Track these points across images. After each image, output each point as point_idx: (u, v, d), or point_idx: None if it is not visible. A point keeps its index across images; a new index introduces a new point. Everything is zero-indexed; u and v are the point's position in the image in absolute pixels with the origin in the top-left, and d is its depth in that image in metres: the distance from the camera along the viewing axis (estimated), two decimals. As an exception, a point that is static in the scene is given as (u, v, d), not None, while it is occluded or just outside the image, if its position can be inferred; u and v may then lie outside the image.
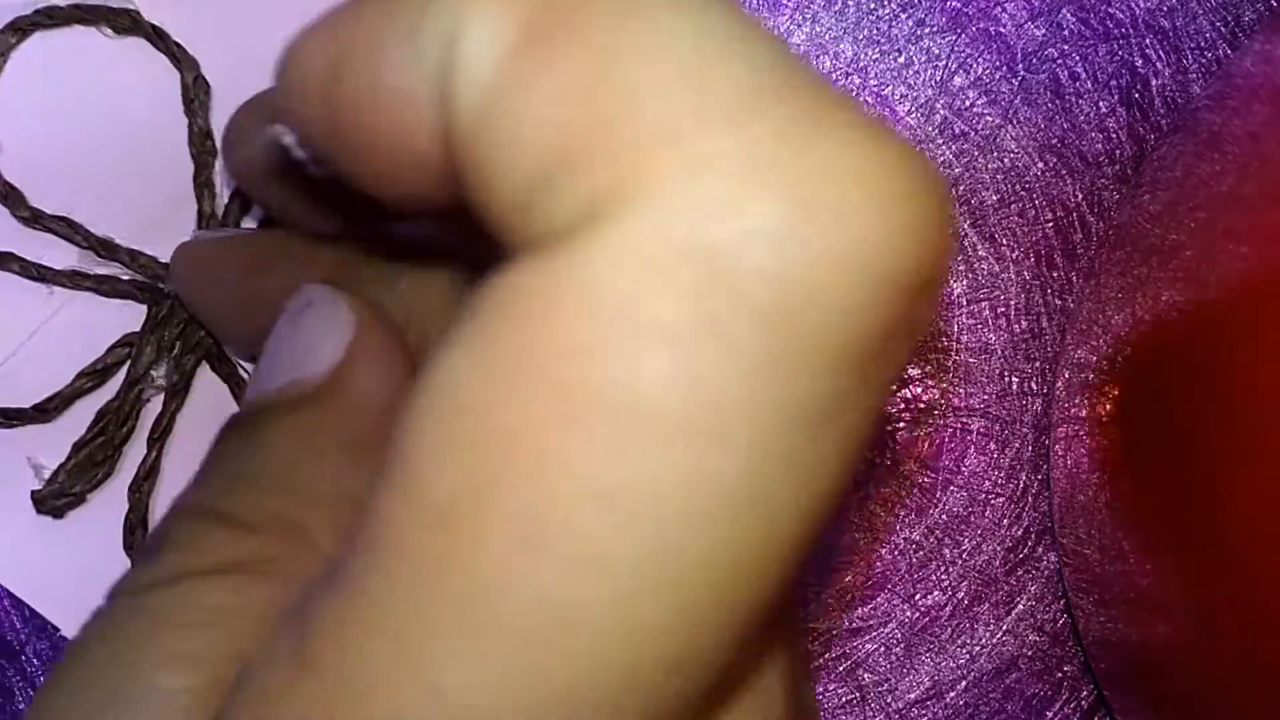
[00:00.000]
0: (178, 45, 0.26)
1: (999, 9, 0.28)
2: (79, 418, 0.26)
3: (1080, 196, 0.28)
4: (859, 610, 0.28)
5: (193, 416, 0.26)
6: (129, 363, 0.26)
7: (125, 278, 0.26)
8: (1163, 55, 0.28)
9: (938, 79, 0.28)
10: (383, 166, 0.15)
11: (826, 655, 0.27)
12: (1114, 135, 0.28)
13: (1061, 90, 0.28)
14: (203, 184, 0.26)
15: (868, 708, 0.28)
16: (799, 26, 0.27)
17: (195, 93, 0.26)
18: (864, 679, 0.28)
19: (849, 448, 0.13)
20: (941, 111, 0.28)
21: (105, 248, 0.26)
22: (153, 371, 0.26)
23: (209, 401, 0.26)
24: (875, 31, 0.28)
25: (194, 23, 0.26)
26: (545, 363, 0.12)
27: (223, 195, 0.26)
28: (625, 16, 0.13)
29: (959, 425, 0.28)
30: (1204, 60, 0.28)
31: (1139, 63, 0.28)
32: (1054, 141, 0.28)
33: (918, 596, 0.28)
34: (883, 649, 0.28)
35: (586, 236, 0.12)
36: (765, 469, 0.13)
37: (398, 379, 0.20)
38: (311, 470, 0.19)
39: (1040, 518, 0.28)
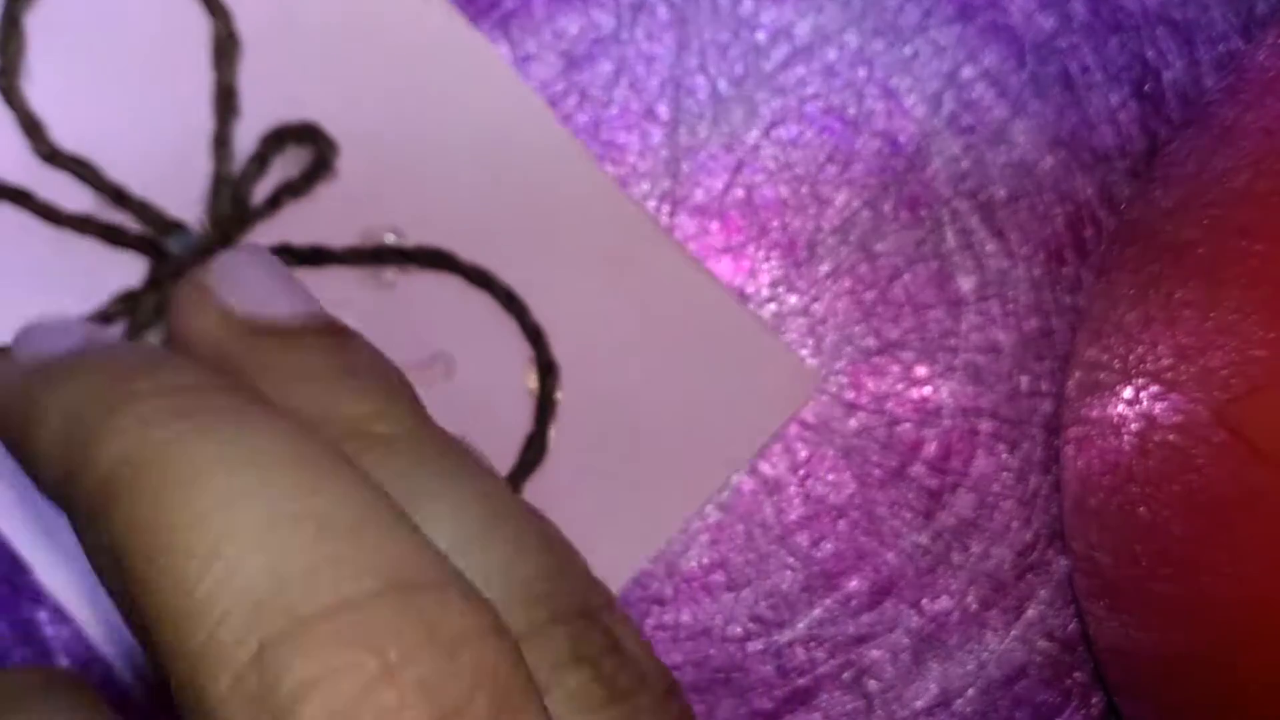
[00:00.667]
0: None
1: (1008, -1, 0.28)
2: None
3: (1091, 191, 0.28)
4: (864, 617, 0.27)
5: None
6: (128, 319, 0.26)
7: (133, 229, 0.26)
8: (1174, 48, 0.28)
9: (945, 70, 0.27)
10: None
11: (831, 663, 0.27)
12: (1125, 129, 0.28)
13: (1072, 83, 0.28)
14: (220, 142, 0.26)
15: (874, 717, 0.28)
16: (804, 17, 0.27)
17: (226, 47, 0.26)
18: (870, 687, 0.27)
19: None
20: (949, 104, 0.28)
21: (117, 196, 0.26)
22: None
23: None
24: (881, 22, 0.27)
25: None
26: None
27: (237, 157, 0.26)
28: None
29: (967, 426, 0.28)
30: (1216, 53, 0.28)
31: (1150, 55, 0.28)
32: (1064, 135, 0.28)
33: (925, 602, 0.28)
34: (889, 656, 0.28)
35: None
36: None
37: None
38: None
39: (1050, 521, 0.28)
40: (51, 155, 0.26)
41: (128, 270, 0.26)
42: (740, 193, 0.27)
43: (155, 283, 0.26)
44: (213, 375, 0.17)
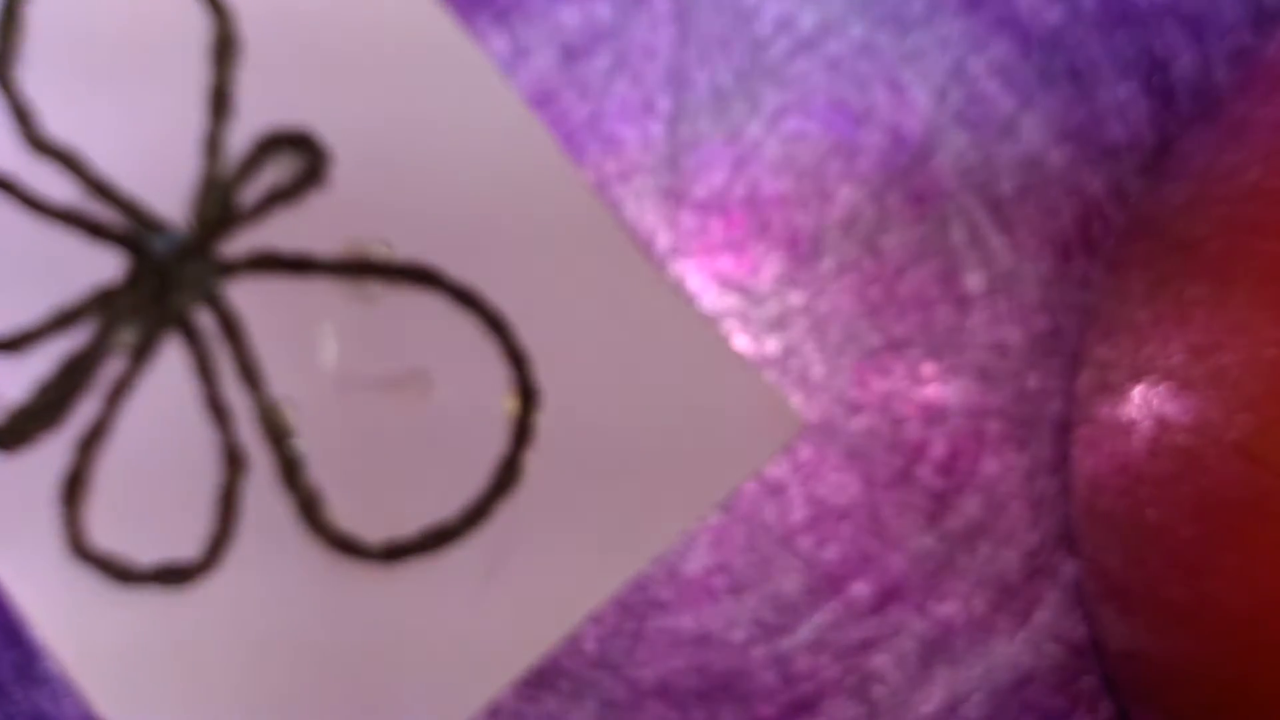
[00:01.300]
0: None
1: (1015, -9, 0.28)
2: (44, 354, 0.26)
3: (1100, 186, 0.28)
4: (870, 621, 0.27)
5: (153, 383, 0.26)
6: (103, 315, 0.26)
7: (117, 225, 0.26)
8: (1183, 41, 0.28)
9: (951, 63, 0.27)
10: None
11: (835, 669, 0.27)
12: (1134, 123, 0.28)
13: (1080, 76, 0.28)
14: (212, 143, 0.26)
15: (878, 723, 0.28)
16: (808, 8, 0.27)
17: (226, 47, 0.26)
18: (875, 693, 0.27)
19: None
20: (955, 97, 0.27)
21: (102, 190, 0.26)
22: (123, 329, 0.26)
23: (171, 371, 0.26)
24: (886, 14, 0.27)
25: None
26: None
27: (228, 160, 0.26)
28: None
29: (974, 426, 0.28)
30: (1225, 46, 0.28)
31: (1159, 48, 0.28)
32: (1072, 129, 0.28)
33: (931, 606, 0.28)
34: (895, 662, 0.27)
35: None
36: None
37: None
38: None
39: (1059, 523, 0.28)
40: (40, 144, 0.26)
41: (106, 266, 0.26)
42: (742, 187, 0.27)
43: (134, 281, 0.26)
44: None
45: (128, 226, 0.26)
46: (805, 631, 0.27)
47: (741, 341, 0.27)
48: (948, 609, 0.28)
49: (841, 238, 0.27)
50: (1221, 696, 0.22)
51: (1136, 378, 0.24)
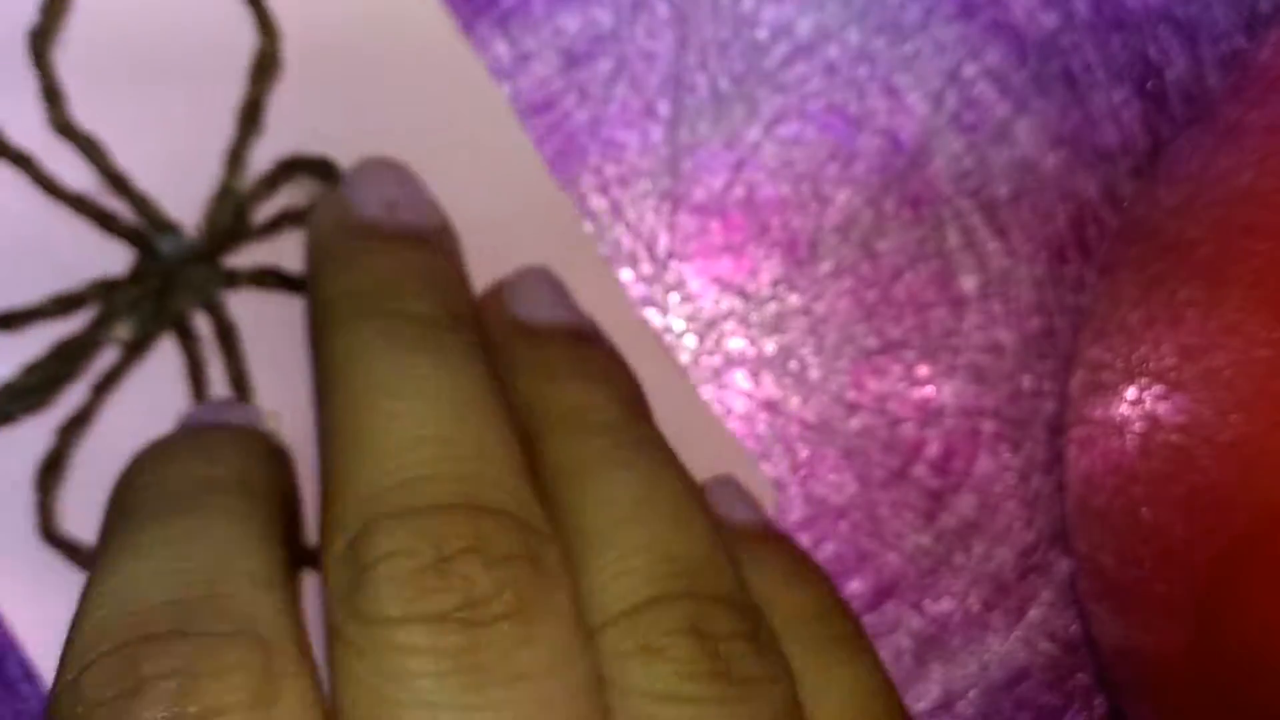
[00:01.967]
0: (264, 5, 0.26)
1: (1010, -4, 0.28)
2: (37, 336, 0.26)
3: (1094, 190, 0.28)
4: (866, 618, 0.28)
5: (142, 379, 0.26)
6: (101, 306, 0.26)
7: (127, 220, 0.26)
8: (1177, 46, 0.28)
9: (947, 68, 0.27)
10: None
11: None
12: (1128, 127, 0.28)
13: (1074, 81, 0.28)
14: (235, 156, 0.26)
15: (875, 718, 0.27)
16: (805, 14, 0.27)
17: (266, 65, 0.26)
18: None
19: None
20: (951, 102, 0.27)
21: (120, 185, 0.26)
22: (119, 323, 0.26)
23: (163, 371, 0.26)
24: (883, 19, 0.27)
25: None
26: None
27: (248, 174, 0.26)
28: None
29: (969, 426, 0.28)
30: (1219, 51, 0.28)
31: (1153, 53, 0.28)
32: (1066, 133, 0.28)
33: (927, 603, 0.28)
34: (891, 658, 0.28)
35: None
36: None
37: None
38: None
39: (1053, 522, 0.28)
40: (65, 127, 0.25)
41: (112, 260, 0.26)
42: (741, 191, 0.27)
43: (137, 277, 0.26)
44: (452, 319, 0.22)
45: (139, 223, 0.26)
46: (803, 629, 0.27)
47: (740, 343, 0.27)
48: (943, 606, 0.28)
49: (839, 241, 0.27)
50: (1214, 694, 0.23)
51: (1130, 378, 0.24)
